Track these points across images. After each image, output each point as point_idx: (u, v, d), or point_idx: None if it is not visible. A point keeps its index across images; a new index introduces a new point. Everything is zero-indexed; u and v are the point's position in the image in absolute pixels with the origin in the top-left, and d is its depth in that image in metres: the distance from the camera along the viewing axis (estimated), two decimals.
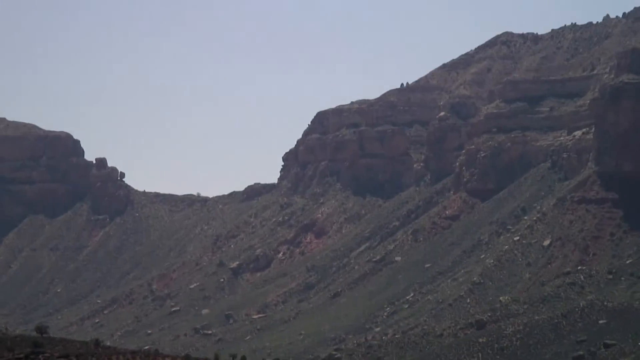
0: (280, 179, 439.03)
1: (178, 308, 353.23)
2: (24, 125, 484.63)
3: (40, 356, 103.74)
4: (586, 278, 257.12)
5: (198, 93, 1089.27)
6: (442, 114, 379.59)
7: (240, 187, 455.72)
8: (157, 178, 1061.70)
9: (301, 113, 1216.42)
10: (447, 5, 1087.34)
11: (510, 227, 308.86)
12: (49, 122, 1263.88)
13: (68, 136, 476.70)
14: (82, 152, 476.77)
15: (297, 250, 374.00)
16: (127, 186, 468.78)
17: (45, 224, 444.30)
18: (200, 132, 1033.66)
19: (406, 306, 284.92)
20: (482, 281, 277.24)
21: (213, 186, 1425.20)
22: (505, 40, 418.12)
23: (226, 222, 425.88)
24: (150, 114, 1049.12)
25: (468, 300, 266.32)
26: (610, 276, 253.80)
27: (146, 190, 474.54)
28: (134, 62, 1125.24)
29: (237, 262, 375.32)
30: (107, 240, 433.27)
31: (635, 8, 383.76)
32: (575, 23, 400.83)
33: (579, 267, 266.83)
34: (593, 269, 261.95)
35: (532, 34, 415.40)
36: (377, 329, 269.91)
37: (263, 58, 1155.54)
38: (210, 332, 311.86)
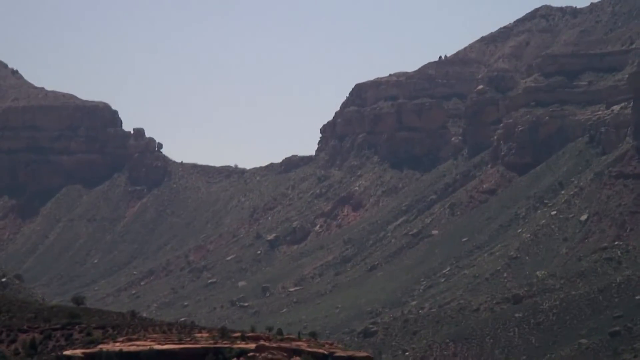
0: (317, 151, 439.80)
1: (215, 280, 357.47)
2: (63, 95, 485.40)
3: (76, 327, 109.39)
4: (623, 253, 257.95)
5: (237, 65, 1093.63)
6: (480, 87, 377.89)
7: (278, 159, 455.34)
8: (194, 149, 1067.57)
9: (339, 85, 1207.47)
10: None
11: (547, 202, 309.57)
12: (88, 92, 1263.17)
13: (106, 106, 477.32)
14: (120, 122, 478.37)
15: (334, 223, 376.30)
16: (164, 157, 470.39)
17: (83, 195, 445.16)
18: (238, 103, 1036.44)
19: (442, 280, 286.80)
20: (518, 256, 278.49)
21: (250, 158, 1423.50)
22: (544, 14, 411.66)
23: (263, 194, 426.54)
24: (189, 85, 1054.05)
25: (504, 275, 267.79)
26: None
27: (183, 162, 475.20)
28: (173, 33, 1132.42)
29: (274, 235, 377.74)
30: (144, 211, 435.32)
31: None
32: None
33: (616, 242, 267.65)
34: (630, 244, 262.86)
35: (571, 7, 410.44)
36: (414, 303, 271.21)
37: (302, 31, 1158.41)
38: (246, 304, 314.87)
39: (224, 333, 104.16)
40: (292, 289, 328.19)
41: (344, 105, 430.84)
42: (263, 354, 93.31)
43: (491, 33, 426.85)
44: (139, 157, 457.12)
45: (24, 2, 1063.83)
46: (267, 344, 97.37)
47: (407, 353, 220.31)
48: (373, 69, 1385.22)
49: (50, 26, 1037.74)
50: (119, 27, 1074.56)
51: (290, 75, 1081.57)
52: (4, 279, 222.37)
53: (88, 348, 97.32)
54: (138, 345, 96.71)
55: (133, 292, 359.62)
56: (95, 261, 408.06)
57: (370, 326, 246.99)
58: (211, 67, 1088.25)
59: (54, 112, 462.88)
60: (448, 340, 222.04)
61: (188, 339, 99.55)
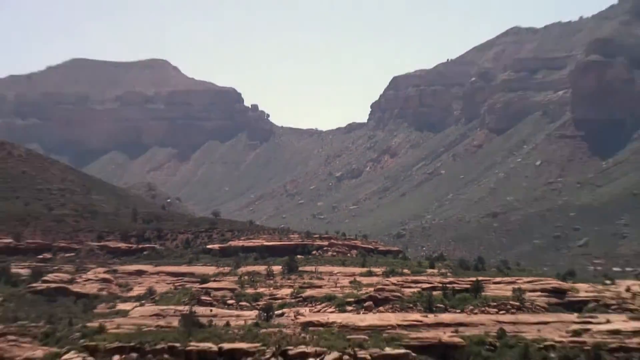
0: (368, 119, 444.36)
1: (302, 201, 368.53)
2: (204, 82, 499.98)
3: (215, 230, 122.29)
4: (563, 186, 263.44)
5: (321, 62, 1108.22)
6: (473, 79, 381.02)
7: (343, 124, 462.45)
8: (290, 116, 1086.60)
9: (382, 76, 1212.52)
10: None
11: (515, 153, 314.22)
12: (222, 79, 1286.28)
13: (234, 90, 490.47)
14: (242, 100, 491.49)
15: (379, 165, 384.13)
16: (271, 122, 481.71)
17: (219, 147, 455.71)
18: (320, 85, 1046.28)
19: (447, 202, 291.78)
20: (496, 187, 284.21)
21: (326, 122, 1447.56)
22: (515, 32, 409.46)
23: (334, 146, 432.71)
24: (290, 72, 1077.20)
25: (487, 199, 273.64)
26: (579, 185, 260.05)
27: (283, 125, 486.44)
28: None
29: (340, 172, 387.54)
30: (258, 158, 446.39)
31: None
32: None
33: (558, 179, 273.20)
34: (567, 180, 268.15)
35: (533, 27, 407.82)
36: (429, 217, 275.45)
37: (362, 39, 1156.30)
38: (322, 217, 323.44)
39: (308, 235, 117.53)
40: (351, 207, 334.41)
41: (386, 90, 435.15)
42: (333, 248, 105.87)
43: (481, 43, 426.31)
44: (255, 123, 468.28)
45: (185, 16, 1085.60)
46: (335, 242, 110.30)
47: (424, 248, 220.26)
48: (405, 65, 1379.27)
49: (196, 30, 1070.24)
50: (243, 25, 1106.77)
51: (354, 68, 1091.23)
52: (168, 200, 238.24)
53: (222, 244, 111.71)
54: (254, 242, 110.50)
55: (250, 208, 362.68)
56: (227, 189, 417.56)
57: (401, 231, 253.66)
58: (303, 53, 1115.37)
59: (199, 94, 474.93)
60: (450, 241, 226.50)
61: (285, 238, 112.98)
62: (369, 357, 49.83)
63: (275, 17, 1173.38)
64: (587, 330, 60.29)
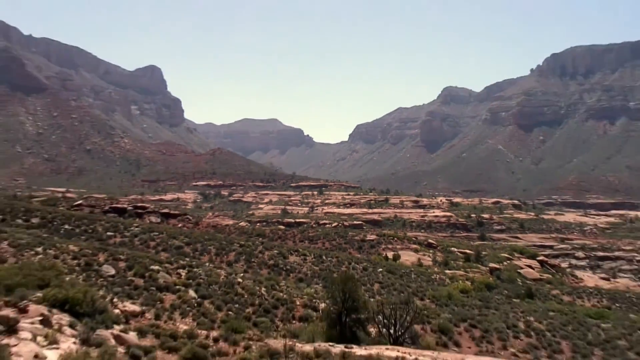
0: None
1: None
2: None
3: (294, 178, 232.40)
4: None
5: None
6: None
7: None
8: None
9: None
10: None
11: None
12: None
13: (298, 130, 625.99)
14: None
15: None
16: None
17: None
18: None
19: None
20: None
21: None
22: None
23: None
24: None
25: None
26: None
27: None
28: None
29: None
30: None
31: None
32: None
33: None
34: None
35: None
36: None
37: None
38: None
39: (327, 181, 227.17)
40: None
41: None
42: (340, 185, 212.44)
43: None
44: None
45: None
46: (340, 184, 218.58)
47: None
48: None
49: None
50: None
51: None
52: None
53: (296, 182, 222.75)
54: (311, 183, 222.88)
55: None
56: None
57: None
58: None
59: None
60: None
61: (322, 181, 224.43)
62: (347, 224, 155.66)
63: None
64: None
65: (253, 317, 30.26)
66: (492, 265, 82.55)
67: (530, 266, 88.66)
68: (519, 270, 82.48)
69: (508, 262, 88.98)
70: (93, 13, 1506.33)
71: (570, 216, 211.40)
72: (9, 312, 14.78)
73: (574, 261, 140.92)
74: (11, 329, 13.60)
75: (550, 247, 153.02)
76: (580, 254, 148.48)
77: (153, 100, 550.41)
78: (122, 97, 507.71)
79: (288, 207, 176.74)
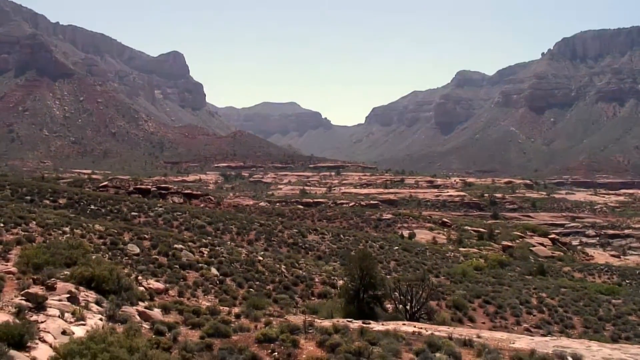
0: None
1: None
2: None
3: (312, 159, 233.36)
4: None
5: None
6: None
7: None
8: None
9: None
10: None
11: None
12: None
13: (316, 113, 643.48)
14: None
15: None
16: None
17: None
18: None
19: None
20: None
21: None
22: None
23: None
24: None
25: None
26: None
27: None
28: None
29: None
30: None
31: None
32: None
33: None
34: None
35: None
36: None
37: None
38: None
39: (344, 162, 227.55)
40: None
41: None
42: (357, 166, 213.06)
43: None
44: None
45: None
46: (357, 164, 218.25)
47: None
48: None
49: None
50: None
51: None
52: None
53: (314, 164, 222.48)
54: (329, 164, 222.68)
55: None
56: None
57: None
58: None
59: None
60: None
61: (339, 162, 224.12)
62: (363, 203, 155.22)
63: None
64: None
65: (273, 294, 30.21)
66: (505, 243, 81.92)
67: (542, 244, 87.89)
68: (531, 248, 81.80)
69: (520, 240, 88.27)
70: (118, 1, 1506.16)
71: (580, 195, 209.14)
72: (38, 289, 14.76)
73: (584, 239, 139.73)
74: (40, 306, 13.54)
75: (562, 225, 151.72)
76: (590, 232, 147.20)
77: (176, 85, 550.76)
78: (145, 82, 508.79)
79: (306, 188, 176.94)
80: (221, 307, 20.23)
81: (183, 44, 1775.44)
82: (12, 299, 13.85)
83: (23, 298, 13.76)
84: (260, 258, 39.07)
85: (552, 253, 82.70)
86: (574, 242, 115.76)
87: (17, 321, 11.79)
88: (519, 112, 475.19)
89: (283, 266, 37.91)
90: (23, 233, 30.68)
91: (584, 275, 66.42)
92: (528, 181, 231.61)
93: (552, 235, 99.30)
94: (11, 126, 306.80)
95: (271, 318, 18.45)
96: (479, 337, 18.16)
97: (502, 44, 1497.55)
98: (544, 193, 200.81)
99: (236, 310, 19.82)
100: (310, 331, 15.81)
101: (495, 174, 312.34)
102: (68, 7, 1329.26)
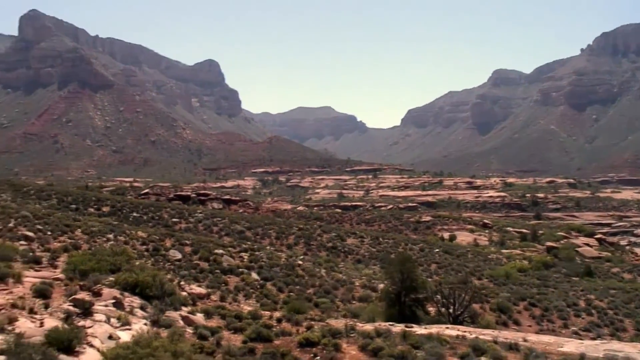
0: None
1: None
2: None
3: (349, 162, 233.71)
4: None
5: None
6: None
7: None
8: None
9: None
10: None
11: None
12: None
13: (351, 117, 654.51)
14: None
15: None
16: None
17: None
18: None
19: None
20: None
21: None
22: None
23: None
24: None
25: None
26: None
27: None
28: None
29: None
30: None
31: None
32: None
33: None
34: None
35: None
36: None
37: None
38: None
39: (381, 165, 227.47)
40: None
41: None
42: (393, 169, 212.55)
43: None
44: None
45: None
46: (393, 167, 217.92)
47: None
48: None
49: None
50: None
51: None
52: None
53: (351, 167, 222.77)
54: (365, 167, 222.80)
55: None
56: None
57: None
58: None
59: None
60: None
61: (376, 164, 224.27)
62: (402, 206, 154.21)
63: None
64: None
65: (314, 297, 30.19)
66: (549, 244, 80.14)
67: (588, 244, 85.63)
68: (576, 249, 79.73)
69: (565, 240, 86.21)
70: (154, 13, 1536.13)
71: (627, 193, 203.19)
72: (85, 295, 15.06)
73: (633, 239, 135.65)
74: (87, 311, 13.81)
75: (608, 224, 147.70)
76: (639, 231, 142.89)
77: (212, 93, 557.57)
78: (182, 90, 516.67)
79: (344, 191, 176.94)
80: (262, 312, 20.29)
81: (218, 52, 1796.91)
82: (60, 305, 14.16)
83: (71, 304, 14.06)
84: (300, 262, 39.13)
85: (599, 254, 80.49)
86: (622, 242, 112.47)
87: (66, 326, 12.06)
88: (559, 109, 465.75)
89: (323, 270, 37.88)
90: (69, 241, 31.41)
91: (634, 276, 64.45)
92: (571, 180, 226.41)
93: (599, 235, 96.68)
94: (56, 137, 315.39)
95: (312, 322, 18.40)
96: (525, 340, 17.76)
97: (539, 41, 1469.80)
98: (588, 192, 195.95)
99: (277, 314, 19.84)
100: (352, 335, 15.73)
101: (536, 173, 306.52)
102: (107, 21, 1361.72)
